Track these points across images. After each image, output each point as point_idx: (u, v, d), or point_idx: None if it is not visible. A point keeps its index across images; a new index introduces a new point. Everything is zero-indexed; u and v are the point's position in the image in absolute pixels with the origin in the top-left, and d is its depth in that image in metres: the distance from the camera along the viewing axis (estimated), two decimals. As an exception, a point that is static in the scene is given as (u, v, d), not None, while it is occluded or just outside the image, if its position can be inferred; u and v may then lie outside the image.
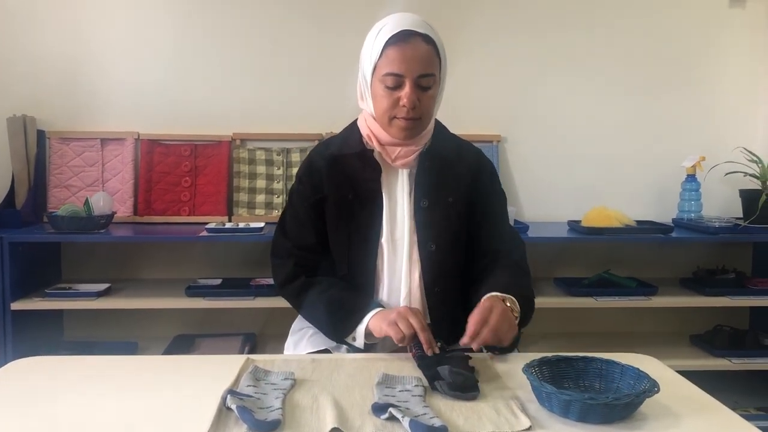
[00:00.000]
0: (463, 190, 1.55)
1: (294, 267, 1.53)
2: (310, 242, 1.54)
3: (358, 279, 1.49)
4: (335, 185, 1.51)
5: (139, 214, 2.75)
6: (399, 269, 1.50)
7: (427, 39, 1.42)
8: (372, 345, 1.45)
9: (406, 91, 1.41)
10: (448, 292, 1.52)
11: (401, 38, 1.40)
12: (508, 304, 1.37)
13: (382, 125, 1.47)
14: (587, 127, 2.95)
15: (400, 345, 1.33)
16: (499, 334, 1.30)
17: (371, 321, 1.39)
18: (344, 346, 1.53)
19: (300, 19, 2.83)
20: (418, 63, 1.40)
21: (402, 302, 1.49)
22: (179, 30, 2.82)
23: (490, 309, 1.32)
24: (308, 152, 2.74)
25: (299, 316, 1.69)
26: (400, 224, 1.50)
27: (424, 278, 1.50)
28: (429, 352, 1.28)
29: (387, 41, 1.40)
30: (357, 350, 1.44)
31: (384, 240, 1.49)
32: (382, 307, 1.43)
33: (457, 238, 1.54)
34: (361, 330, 1.40)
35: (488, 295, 1.38)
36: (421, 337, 1.29)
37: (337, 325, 1.43)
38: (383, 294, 1.51)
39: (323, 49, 2.84)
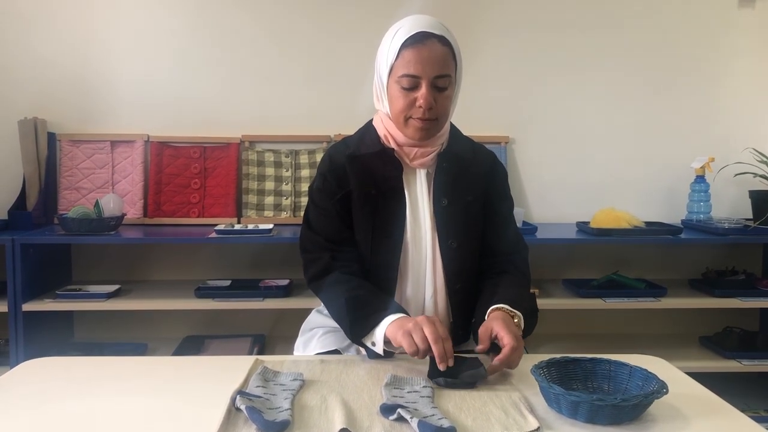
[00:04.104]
0: (480, 190, 1.56)
1: (330, 260, 1.49)
2: (341, 235, 1.51)
3: (384, 274, 1.49)
4: (359, 181, 1.50)
5: (149, 216, 2.76)
6: (423, 267, 1.50)
7: (443, 40, 1.42)
8: (392, 353, 1.40)
9: (422, 92, 1.41)
10: (469, 289, 1.53)
11: (417, 40, 1.40)
12: (516, 321, 1.37)
13: (398, 126, 1.48)
14: (595, 129, 2.95)
15: (415, 357, 1.28)
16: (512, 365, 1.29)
17: (389, 328, 1.33)
18: (354, 347, 1.53)
19: (308, 22, 2.84)
20: (434, 64, 1.41)
21: (428, 300, 1.50)
22: (188, 33, 2.83)
23: (518, 340, 1.29)
24: (316, 153, 2.80)
25: (309, 316, 1.70)
26: (422, 222, 1.51)
27: (446, 276, 1.50)
28: (441, 367, 1.23)
29: (403, 43, 1.41)
30: (377, 356, 1.39)
31: (409, 237, 1.49)
32: (405, 312, 1.38)
33: (476, 236, 1.55)
34: (379, 335, 1.35)
35: (500, 307, 1.39)
36: (434, 349, 1.24)
37: (354, 325, 1.39)
38: (408, 290, 1.50)
39: (331, 51, 2.85)
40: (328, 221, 1.52)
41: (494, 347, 1.30)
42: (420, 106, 1.42)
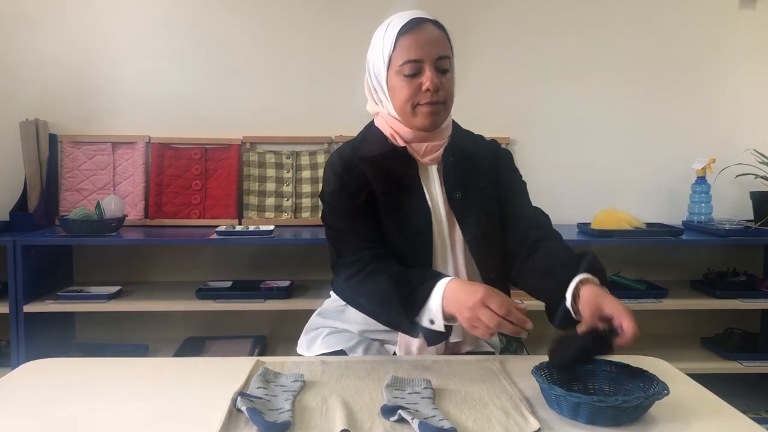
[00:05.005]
0: (490, 179, 1.55)
1: (370, 259, 1.40)
2: (373, 233, 1.45)
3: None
4: (378, 180, 1.46)
5: (150, 217, 2.76)
6: (455, 261, 1.48)
7: (437, 24, 1.43)
8: (451, 326, 1.32)
9: (427, 75, 1.40)
10: (505, 276, 1.50)
11: (413, 25, 1.40)
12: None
13: (406, 117, 1.45)
14: (596, 129, 2.95)
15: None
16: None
17: (447, 301, 1.26)
18: (360, 348, 1.50)
19: (309, 22, 2.84)
20: (434, 46, 1.41)
21: None
22: (189, 34, 2.84)
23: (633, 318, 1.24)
24: (317, 154, 2.79)
25: (311, 318, 1.68)
26: (442, 217, 1.49)
27: (478, 267, 1.48)
28: (523, 334, 1.20)
29: (399, 31, 1.40)
30: (438, 337, 1.31)
31: (435, 233, 1.47)
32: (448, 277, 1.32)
33: (497, 220, 1.53)
34: (435, 306, 1.27)
35: (588, 279, 1.30)
36: (505, 329, 1.20)
37: (405, 302, 1.30)
38: None
39: (332, 52, 2.85)
40: (353, 222, 1.46)
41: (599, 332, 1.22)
42: (427, 89, 1.40)
